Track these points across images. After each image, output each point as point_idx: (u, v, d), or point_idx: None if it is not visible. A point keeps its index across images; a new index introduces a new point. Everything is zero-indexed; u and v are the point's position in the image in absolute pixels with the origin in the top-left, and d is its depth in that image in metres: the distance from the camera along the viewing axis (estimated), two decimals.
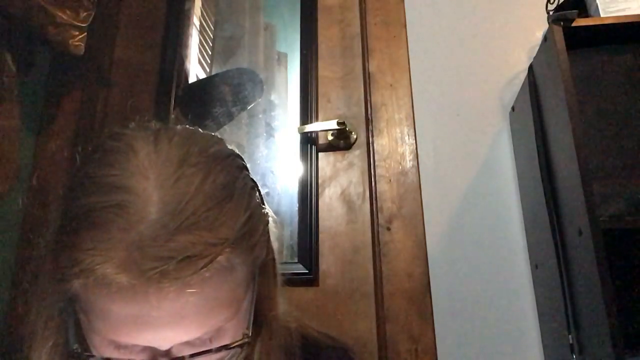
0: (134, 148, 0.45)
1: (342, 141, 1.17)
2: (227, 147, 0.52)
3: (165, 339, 0.42)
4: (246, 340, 0.46)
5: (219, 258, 0.41)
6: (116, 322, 0.42)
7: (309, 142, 1.19)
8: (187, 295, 0.41)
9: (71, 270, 0.41)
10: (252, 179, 0.52)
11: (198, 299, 0.42)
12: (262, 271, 0.53)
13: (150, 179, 0.43)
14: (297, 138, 1.21)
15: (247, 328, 0.48)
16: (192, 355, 0.44)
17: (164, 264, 0.39)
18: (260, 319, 0.54)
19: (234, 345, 0.45)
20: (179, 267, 0.39)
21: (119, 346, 0.43)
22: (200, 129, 0.52)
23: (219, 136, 0.53)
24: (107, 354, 0.44)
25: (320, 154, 1.18)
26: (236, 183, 0.47)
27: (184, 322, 0.42)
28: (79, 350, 0.45)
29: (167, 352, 0.43)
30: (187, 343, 0.43)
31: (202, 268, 0.40)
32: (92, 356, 0.44)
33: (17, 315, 1.06)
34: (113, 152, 0.46)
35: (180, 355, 0.43)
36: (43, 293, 0.49)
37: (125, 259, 0.39)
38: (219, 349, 0.45)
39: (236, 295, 0.46)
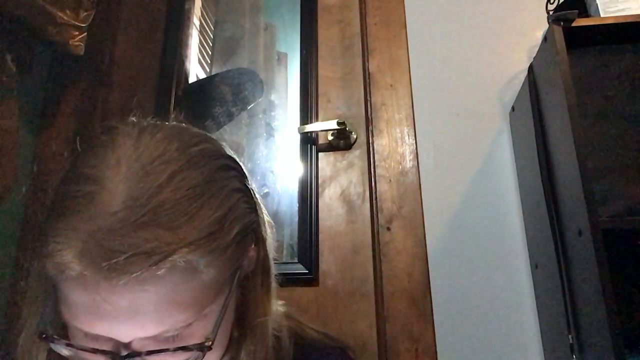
0: (116, 142, 0.46)
1: (342, 141, 1.17)
2: (216, 146, 0.51)
3: (120, 332, 0.43)
4: (207, 344, 0.45)
5: (175, 257, 0.41)
6: (75, 310, 0.43)
7: (309, 142, 1.19)
8: (137, 291, 0.41)
9: (40, 254, 0.42)
10: (240, 181, 0.52)
11: (152, 297, 0.41)
12: (248, 278, 0.52)
13: (120, 172, 0.43)
14: (297, 138, 1.21)
15: (212, 332, 0.47)
16: (149, 352, 0.43)
17: (115, 257, 0.39)
18: (247, 325, 0.53)
19: (192, 347, 0.45)
20: (128, 262, 0.39)
21: (87, 334, 0.44)
22: (193, 127, 0.52)
23: (210, 135, 0.52)
24: (76, 341, 0.45)
25: (320, 154, 1.18)
26: (212, 183, 0.46)
27: (138, 317, 0.42)
28: (49, 333, 0.45)
29: (128, 345, 0.43)
30: (151, 339, 0.43)
31: (151, 265, 0.40)
32: (59, 339, 0.45)
33: (18, 313, 1.06)
34: (98, 145, 0.46)
35: (140, 350, 0.43)
36: (29, 277, 0.51)
37: (81, 248, 0.40)
38: (176, 350, 0.44)
39: (200, 297, 0.45)
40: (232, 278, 0.49)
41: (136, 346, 0.43)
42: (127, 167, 0.43)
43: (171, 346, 0.44)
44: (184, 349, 0.44)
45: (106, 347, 0.43)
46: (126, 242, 0.40)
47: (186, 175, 0.44)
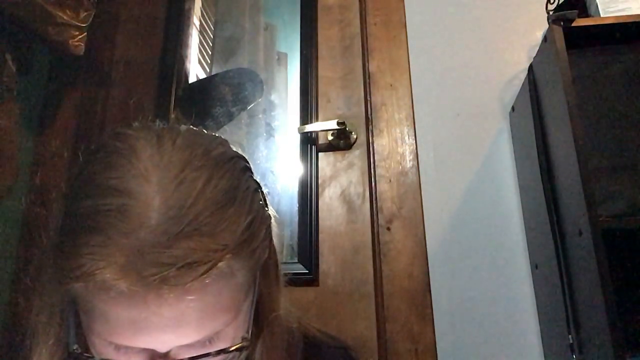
0: (137, 150, 0.45)
1: (342, 141, 1.17)
2: (231, 148, 0.52)
3: (164, 342, 0.42)
4: (245, 344, 0.46)
5: (220, 264, 0.41)
6: (115, 325, 0.42)
7: (309, 142, 1.19)
8: (186, 302, 0.41)
9: (71, 273, 0.41)
10: (255, 181, 0.52)
11: (198, 305, 0.42)
12: (263, 273, 0.53)
13: (152, 182, 0.42)
14: (297, 138, 1.21)
15: (247, 332, 0.47)
16: (191, 359, 0.43)
17: (164, 270, 0.39)
18: (262, 319, 0.54)
19: (232, 349, 0.45)
20: (179, 274, 0.39)
21: (118, 347, 0.43)
22: (204, 130, 0.52)
23: (223, 137, 0.53)
24: (105, 355, 0.44)
25: (320, 154, 1.18)
26: (239, 187, 0.47)
27: (183, 326, 0.42)
28: (79, 351, 0.45)
29: (166, 355, 0.43)
30: (186, 345, 0.43)
31: (202, 274, 0.40)
32: (91, 357, 0.44)
33: (17, 314, 1.06)
34: (115, 154, 0.45)
35: (178, 358, 0.43)
36: (45, 291, 0.49)
37: (125, 264, 0.39)
38: (217, 353, 0.44)
39: (236, 299, 0.46)
40: (255, 277, 0.50)
41: (173, 354, 0.43)
42: (157, 176, 0.42)
43: (210, 350, 0.44)
44: (224, 351, 0.45)
45: (140, 358, 0.43)
46: (173, 253, 0.39)
47: (218, 182, 0.44)
